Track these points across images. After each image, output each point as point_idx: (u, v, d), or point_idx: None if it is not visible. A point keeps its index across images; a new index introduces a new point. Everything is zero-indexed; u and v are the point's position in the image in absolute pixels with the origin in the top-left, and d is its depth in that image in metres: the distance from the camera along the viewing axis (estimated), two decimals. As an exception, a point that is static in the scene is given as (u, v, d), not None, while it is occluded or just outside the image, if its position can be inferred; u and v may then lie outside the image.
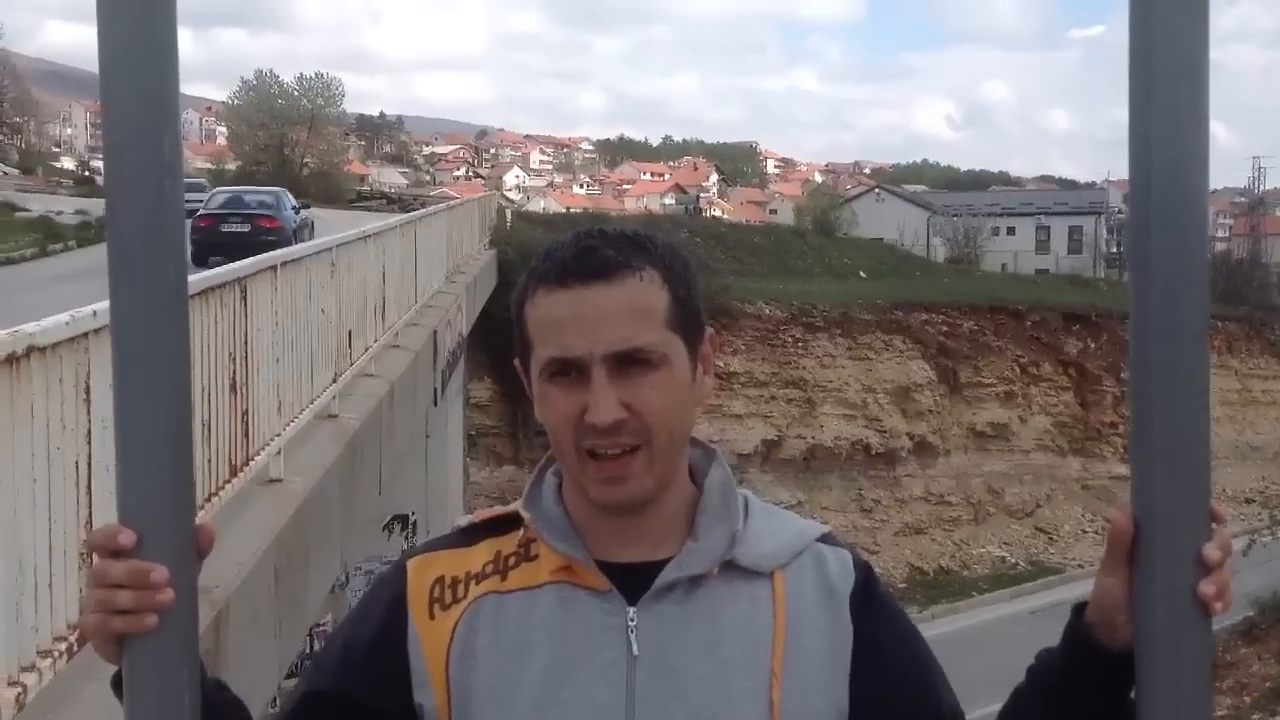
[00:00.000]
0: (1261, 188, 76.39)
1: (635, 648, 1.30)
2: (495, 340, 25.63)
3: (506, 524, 1.40)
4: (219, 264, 6.66)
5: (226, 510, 5.77)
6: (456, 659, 1.33)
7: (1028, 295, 43.21)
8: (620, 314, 1.28)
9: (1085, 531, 38.67)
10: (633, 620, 1.31)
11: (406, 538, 16.03)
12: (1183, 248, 1.19)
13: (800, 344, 36.32)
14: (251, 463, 6.22)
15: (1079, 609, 1.31)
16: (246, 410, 6.19)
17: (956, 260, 56.69)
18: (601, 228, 1.36)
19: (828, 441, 35.60)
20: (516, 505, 1.40)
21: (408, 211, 24.03)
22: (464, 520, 1.44)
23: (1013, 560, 36.51)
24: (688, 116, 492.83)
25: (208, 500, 5.37)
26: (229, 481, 5.85)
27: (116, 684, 1.28)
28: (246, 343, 6.21)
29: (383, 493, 10.07)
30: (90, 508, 4.10)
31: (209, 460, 5.47)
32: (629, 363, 1.28)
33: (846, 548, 1.41)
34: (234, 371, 6.00)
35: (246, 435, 6.18)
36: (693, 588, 1.32)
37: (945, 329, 38.72)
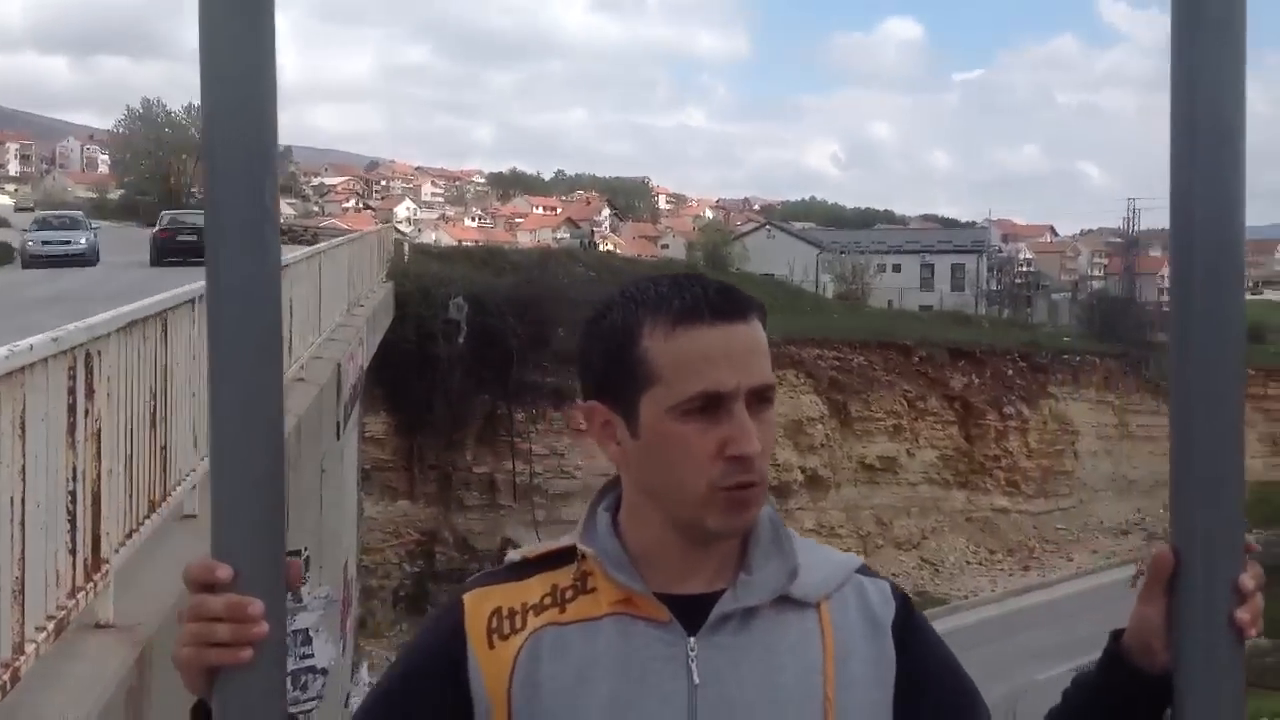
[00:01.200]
0: (1136, 228, 79.03)
1: (696, 677, 1.35)
2: (391, 374, 25.45)
3: (558, 559, 1.44)
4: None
5: (146, 547, 5.68)
6: (519, 688, 1.36)
7: (915, 331, 44.15)
8: (759, 352, 1.36)
9: (969, 563, 39.53)
10: (693, 650, 1.35)
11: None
12: (1222, 293, 1.30)
13: (695, 378, 36.55)
14: (169, 498, 6.13)
15: (1116, 635, 1.41)
16: (165, 445, 6.10)
17: (845, 296, 57.70)
18: (692, 273, 1.43)
19: (721, 475, 35.80)
20: (568, 540, 1.44)
21: (298, 243, 24.23)
22: (516, 555, 1.48)
23: (901, 592, 37.09)
24: (580, 151, 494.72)
25: (127, 537, 5.29)
26: (148, 517, 5.76)
27: (195, 714, 1.31)
28: (166, 377, 6.13)
29: (288, 529, 9.94)
30: (24, 545, 4.03)
31: (129, 496, 5.40)
32: (758, 400, 1.35)
33: (884, 579, 1.48)
34: (154, 406, 5.91)
35: (165, 470, 6.10)
36: (748, 618, 1.38)
37: (837, 364, 39.36)
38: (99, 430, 4.84)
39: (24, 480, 4.06)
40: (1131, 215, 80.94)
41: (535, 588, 1.42)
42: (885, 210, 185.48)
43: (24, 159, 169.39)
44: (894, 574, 38.78)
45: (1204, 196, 1.30)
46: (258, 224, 1.25)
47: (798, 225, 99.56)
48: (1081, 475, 43.48)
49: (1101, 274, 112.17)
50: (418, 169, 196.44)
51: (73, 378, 4.56)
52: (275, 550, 1.28)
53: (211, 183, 1.24)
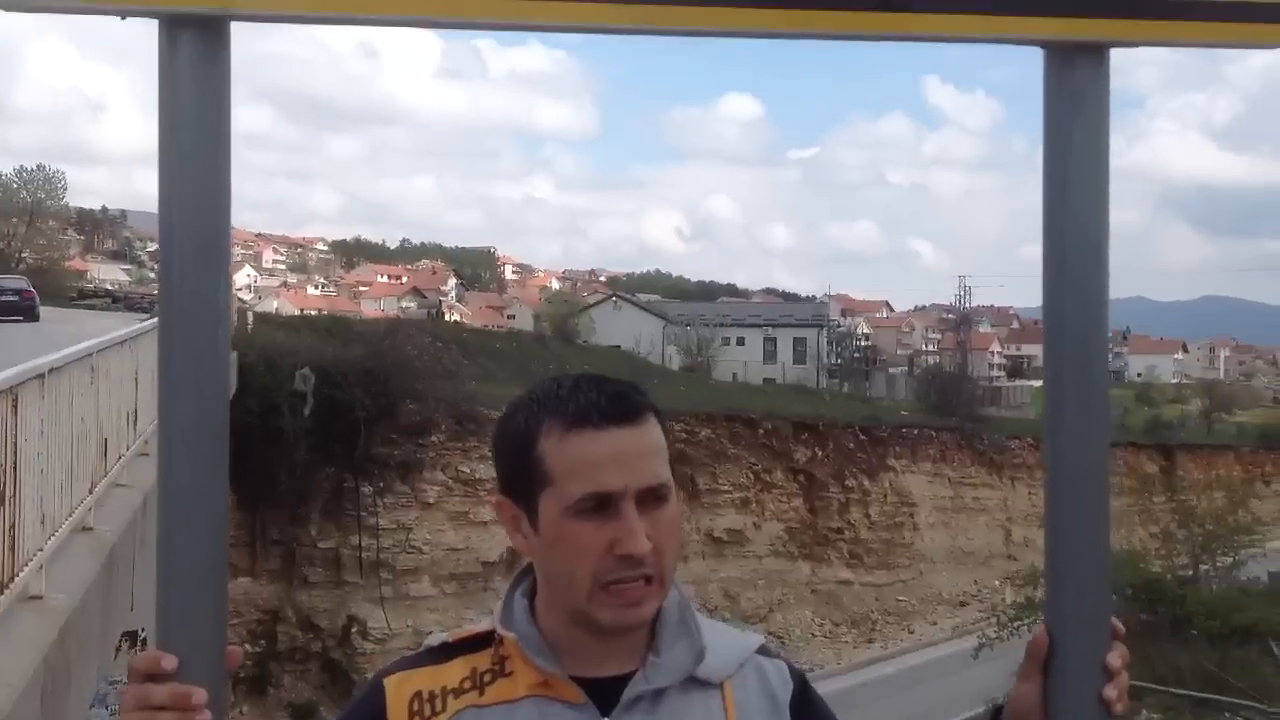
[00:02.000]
0: (968, 305, 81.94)
1: None
2: (233, 446, 24.76)
3: (477, 643, 1.51)
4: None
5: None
6: None
7: (759, 404, 44.79)
8: (649, 453, 1.43)
9: (815, 635, 39.96)
10: None
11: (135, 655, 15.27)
12: (1089, 397, 1.45)
13: (545, 450, 36.44)
14: (17, 578, 5.92)
15: (996, 711, 1.54)
16: (13, 524, 5.90)
17: (691, 369, 58.37)
18: (595, 374, 1.51)
19: (570, 548, 35.66)
20: (487, 624, 1.51)
21: (134, 309, 23.75)
22: (436, 640, 1.53)
23: (748, 663, 37.23)
24: (425, 220, 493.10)
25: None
26: (-6, 599, 5.56)
27: None
28: (15, 454, 5.94)
29: (134, 608, 9.62)
30: None
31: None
32: (652, 498, 1.42)
33: (781, 658, 1.58)
34: (2, 484, 5.73)
35: (13, 550, 5.89)
36: (657, 699, 1.46)
37: (684, 436, 39.66)
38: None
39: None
40: (963, 293, 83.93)
41: (455, 670, 1.48)
42: (728, 284, 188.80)
43: None
44: (740, 645, 38.99)
45: (1074, 305, 1.45)
46: (210, 325, 1.30)
47: (643, 297, 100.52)
48: (920, 547, 44.42)
49: (935, 349, 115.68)
50: (259, 235, 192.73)
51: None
52: (217, 640, 1.32)
53: (165, 277, 1.29)
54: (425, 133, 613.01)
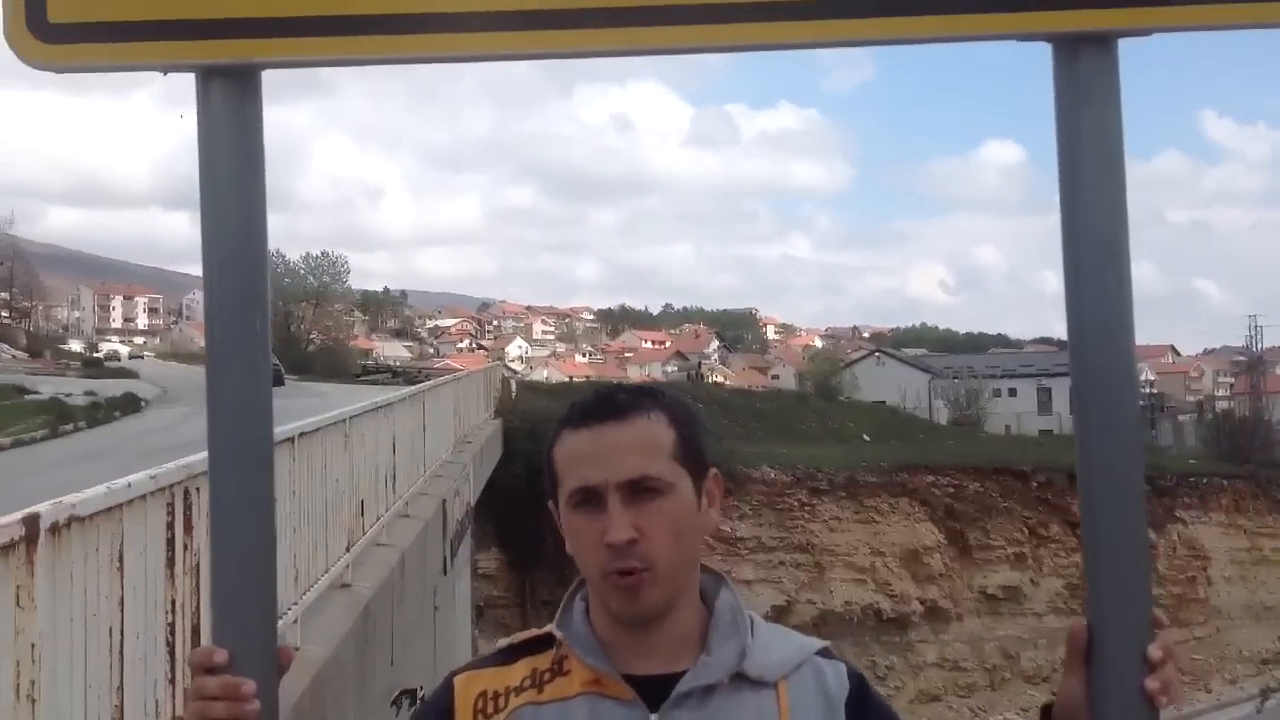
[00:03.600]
0: (1260, 346, 76.94)
1: None
2: (502, 510, 25.70)
3: (541, 644, 1.60)
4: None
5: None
6: None
7: (1032, 456, 43.20)
8: (631, 448, 1.51)
9: (1103, 695, 37.98)
10: None
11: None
12: (1115, 391, 1.42)
13: (806, 508, 36.24)
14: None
15: (1046, 709, 1.52)
16: (265, 579, 6.32)
17: (960, 422, 56.91)
18: (620, 383, 1.58)
19: (838, 606, 35.24)
20: (550, 627, 1.60)
21: (412, 383, 24.86)
22: (504, 642, 1.63)
23: (1031, 726, 35.78)
24: (685, 285, 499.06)
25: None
26: (248, 650, 5.94)
27: None
28: (266, 512, 6.37)
29: (394, 663, 10.09)
30: (122, 673, 4.21)
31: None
32: (640, 490, 1.49)
33: (842, 660, 1.59)
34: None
35: (265, 604, 6.30)
36: (706, 697, 1.50)
37: (952, 491, 38.67)
38: (198, 564, 5.06)
39: (122, 611, 4.27)
40: (1254, 333, 78.93)
41: (518, 671, 1.57)
42: (998, 334, 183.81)
43: (152, 312, 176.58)
44: (1023, 709, 37.63)
45: (1093, 300, 1.45)
46: (250, 352, 1.42)
47: (908, 352, 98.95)
48: (1215, 602, 41.75)
49: (1228, 393, 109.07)
50: (528, 308, 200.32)
51: (171, 513, 4.79)
52: (268, 636, 1.44)
53: (210, 309, 1.42)
54: (681, 199, 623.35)
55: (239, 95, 1.43)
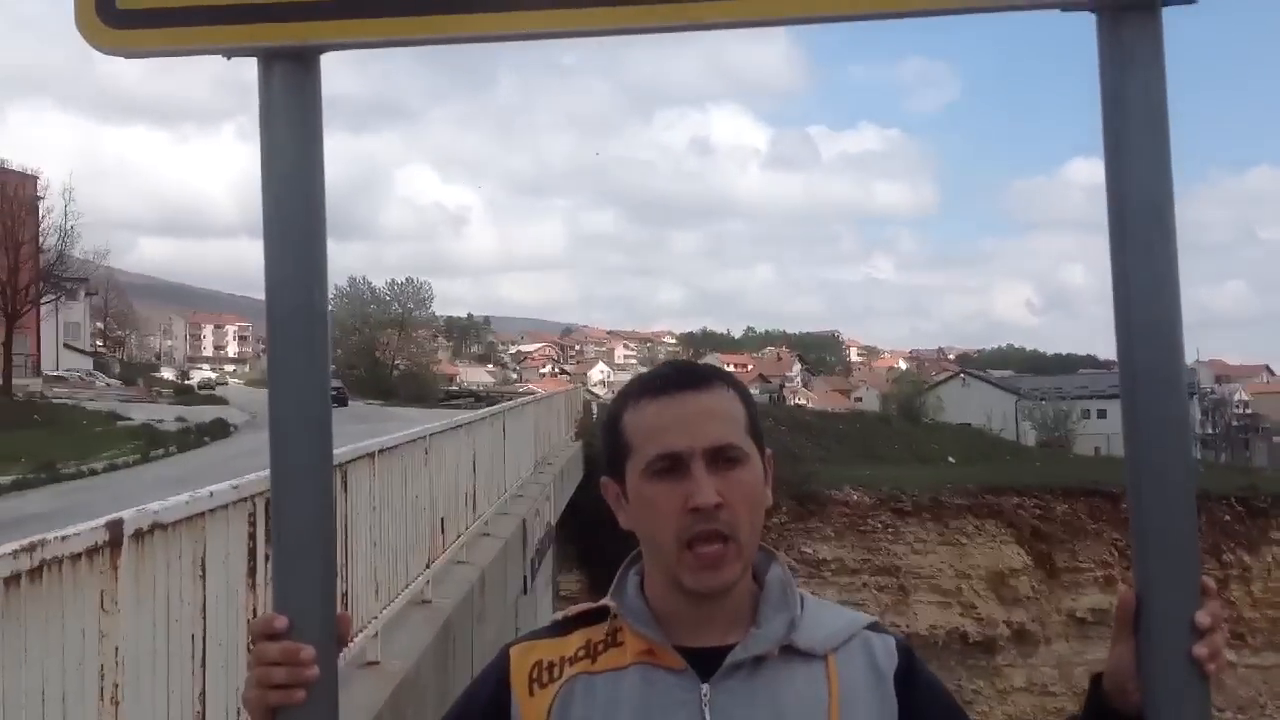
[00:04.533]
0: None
1: (708, 718, 1.49)
2: (585, 532, 25.72)
3: (596, 616, 1.62)
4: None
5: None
6: None
7: (1121, 478, 42.21)
8: (715, 416, 1.53)
9: None
10: (706, 695, 1.50)
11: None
12: (1160, 350, 1.42)
13: (890, 530, 35.87)
14: (351, 644, 6.39)
15: (1096, 679, 1.52)
16: (345, 592, 6.39)
17: (1048, 444, 56.07)
18: (684, 360, 1.60)
19: (923, 630, 34.77)
20: (605, 600, 1.62)
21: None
22: (560, 615, 1.66)
23: (1123, 753, 34.93)
24: (766, 307, 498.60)
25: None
26: (329, 662, 6.01)
27: None
28: (346, 526, 6.46)
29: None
30: (204, 681, 4.28)
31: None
32: (722, 459, 1.51)
33: (892, 634, 1.60)
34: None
35: (346, 616, 6.38)
36: (757, 667, 1.52)
37: (1039, 512, 38.04)
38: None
39: (204, 619, 4.35)
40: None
41: (573, 642, 1.60)
42: (1087, 354, 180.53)
43: (242, 340, 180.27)
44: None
45: (1137, 265, 1.44)
46: (310, 325, 1.46)
47: (996, 373, 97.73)
48: (1315, 626, 40.55)
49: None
50: (610, 333, 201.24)
51: (253, 523, 4.88)
52: (328, 605, 1.48)
53: (270, 282, 1.46)
54: (762, 221, 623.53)
55: (300, 79, 1.47)
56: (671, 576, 1.53)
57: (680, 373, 1.57)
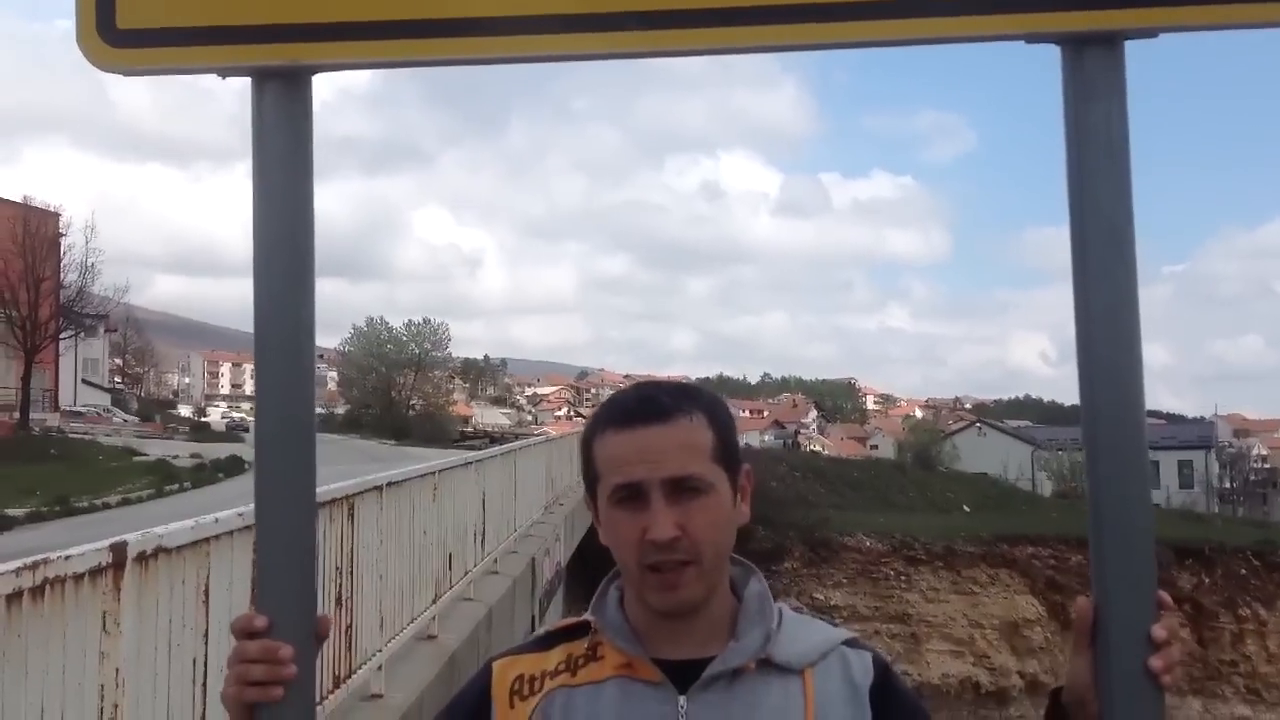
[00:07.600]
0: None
1: None
2: (593, 573, 25.62)
3: (577, 631, 1.66)
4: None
5: (329, 721, 5.93)
6: None
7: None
8: (675, 448, 1.55)
9: (1213, 778, 36.56)
10: (683, 707, 1.54)
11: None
12: (1119, 370, 1.48)
13: (903, 577, 35.65)
14: (354, 676, 6.41)
15: (1056, 692, 1.55)
16: (350, 624, 6.41)
17: (1064, 494, 55.68)
18: (660, 382, 1.64)
19: (935, 679, 34.48)
20: (586, 615, 1.66)
21: (507, 448, 25.10)
22: (542, 629, 1.70)
23: (1137, 809, 34.45)
24: (780, 353, 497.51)
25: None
26: (332, 693, 6.03)
27: None
28: (352, 558, 6.49)
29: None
30: (205, 705, 4.31)
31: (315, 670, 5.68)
32: (682, 489, 1.54)
33: (869, 650, 1.63)
34: (340, 585, 6.26)
35: (350, 649, 6.39)
36: (734, 680, 1.55)
37: (1054, 562, 37.78)
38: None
39: (206, 644, 4.38)
40: None
41: (554, 656, 1.64)
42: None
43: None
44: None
45: (1098, 290, 1.50)
46: (295, 336, 1.51)
47: (1012, 423, 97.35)
48: (1333, 682, 40.03)
49: None
50: (626, 376, 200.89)
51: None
52: (307, 606, 1.52)
53: (259, 295, 1.51)
54: (775, 267, 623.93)
55: (291, 99, 1.53)
56: (636, 593, 1.58)
57: (643, 402, 1.59)
